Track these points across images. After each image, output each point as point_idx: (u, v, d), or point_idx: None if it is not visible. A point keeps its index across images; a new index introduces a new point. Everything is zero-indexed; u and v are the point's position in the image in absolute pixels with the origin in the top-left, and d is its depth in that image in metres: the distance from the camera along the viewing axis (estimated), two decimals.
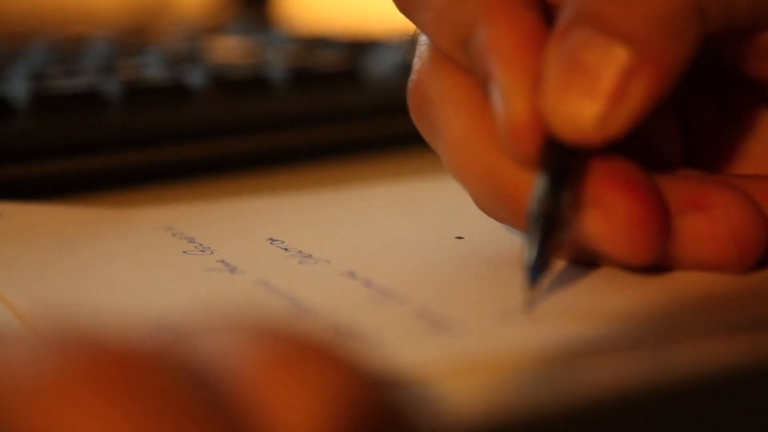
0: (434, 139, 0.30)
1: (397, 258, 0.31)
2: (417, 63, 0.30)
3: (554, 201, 0.26)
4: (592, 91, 0.25)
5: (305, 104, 0.46)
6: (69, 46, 0.56)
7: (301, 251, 0.31)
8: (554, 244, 0.26)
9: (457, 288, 0.28)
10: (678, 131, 0.33)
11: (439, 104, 0.29)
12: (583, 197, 0.26)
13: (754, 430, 0.22)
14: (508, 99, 0.26)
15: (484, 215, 0.33)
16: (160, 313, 0.27)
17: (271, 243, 0.32)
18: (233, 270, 0.30)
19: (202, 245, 0.32)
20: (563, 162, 0.26)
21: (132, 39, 0.60)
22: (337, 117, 0.46)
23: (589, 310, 0.27)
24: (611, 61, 0.25)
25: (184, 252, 0.32)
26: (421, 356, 0.24)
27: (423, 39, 0.30)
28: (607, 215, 0.26)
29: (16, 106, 0.42)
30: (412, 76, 0.30)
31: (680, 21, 0.26)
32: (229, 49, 0.56)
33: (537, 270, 0.26)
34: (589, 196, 0.26)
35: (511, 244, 0.32)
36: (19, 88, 0.43)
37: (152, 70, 0.48)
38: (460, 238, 0.32)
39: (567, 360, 0.24)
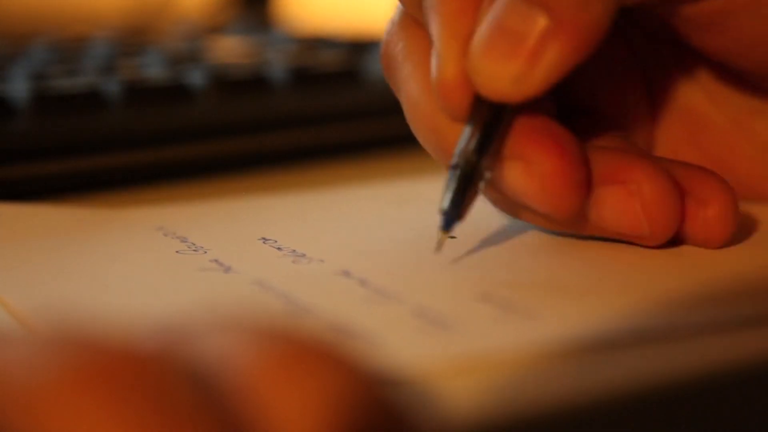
0: (399, 97, 0.31)
1: (393, 257, 0.31)
2: (388, 25, 0.32)
3: (473, 153, 0.28)
4: (512, 53, 0.27)
5: (305, 104, 0.46)
6: (69, 46, 0.56)
7: (294, 250, 0.31)
8: (471, 194, 0.29)
9: (454, 287, 0.28)
10: (647, 105, 0.34)
11: (401, 63, 0.31)
12: (507, 151, 0.29)
13: (753, 430, 0.22)
14: (440, 59, 0.29)
15: (480, 215, 0.33)
16: (156, 312, 0.27)
17: (264, 242, 0.32)
18: (227, 270, 0.30)
19: (194, 245, 0.32)
20: (489, 118, 0.28)
21: (132, 39, 0.60)
22: (337, 117, 0.46)
23: (589, 308, 0.27)
24: (530, 26, 0.27)
25: (177, 252, 0.32)
26: (418, 355, 0.24)
27: (398, 3, 0.32)
28: (527, 168, 0.28)
29: (16, 107, 0.42)
30: (384, 37, 0.32)
31: None
32: (229, 49, 0.56)
33: (450, 217, 0.28)
34: (511, 150, 0.29)
35: (505, 244, 0.32)
36: (19, 88, 0.43)
37: (152, 70, 0.48)
38: (453, 237, 0.32)
39: (566, 359, 0.24)
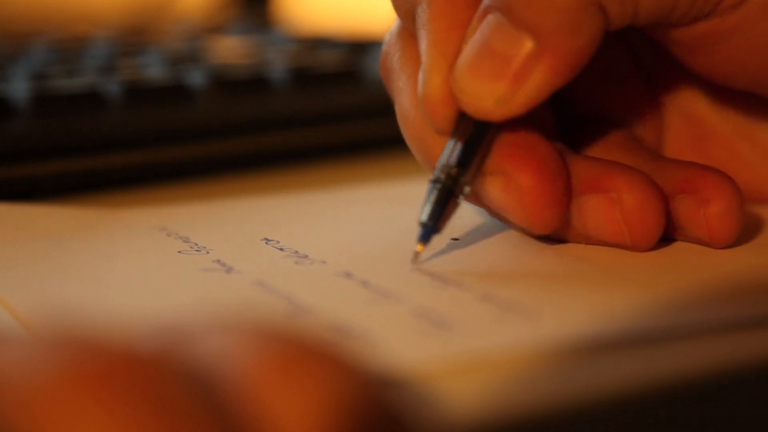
0: (395, 106, 0.32)
1: (394, 258, 0.31)
2: (387, 36, 0.32)
3: (454, 169, 0.29)
4: (496, 74, 0.28)
5: (305, 104, 0.46)
6: (69, 46, 0.56)
7: (296, 251, 0.31)
8: (449, 208, 0.29)
9: (454, 287, 0.28)
10: (654, 111, 0.35)
11: (397, 74, 0.31)
12: (488, 166, 0.29)
13: (753, 430, 0.22)
14: (426, 74, 0.29)
15: (480, 217, 0.33)
16: (158, 313, 0.27)
17: (266, 243, 0.32)
18: (229, 270, 0.30)
19: (197, 245, 0.32)
20: (471, 134, 0.29)
21: (132, 39, 0.60)
22: (337, 117, 0.46)
23: (589, 308, 0.27)
24: (516, 48, 0.28)
25: (179, 252, 0.32)
26: (419, 355, 0.24)
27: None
28: (505, 183, 0.29)
29: (17, 107, 0.42)
30: (382, 47, 0.32)
31: (579, 16, 0.28)
32: (229, 49, 0.56)
33: (428, 229, 0.29)
34: (492, 165, 0.29)
35: (506, 245, 0.32)
36: (20, 88, 0.43)
37: (152, 70, 0.48)
38: (455, 239, 0.32)
39: (566, 359, 0.24)
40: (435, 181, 0.29)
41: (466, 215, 0.34)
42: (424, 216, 0.29)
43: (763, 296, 0.28)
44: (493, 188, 0.30)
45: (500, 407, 0.21)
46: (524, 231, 0.32)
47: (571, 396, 0.22)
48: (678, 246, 0.31)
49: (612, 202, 0.30)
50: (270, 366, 0.15)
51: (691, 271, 0.30)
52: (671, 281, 0.29)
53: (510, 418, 0.21)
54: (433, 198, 0.29)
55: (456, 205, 0.29)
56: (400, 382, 0.22)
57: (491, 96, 0.28)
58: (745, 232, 0.32)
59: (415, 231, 0.31)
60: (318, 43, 0.57)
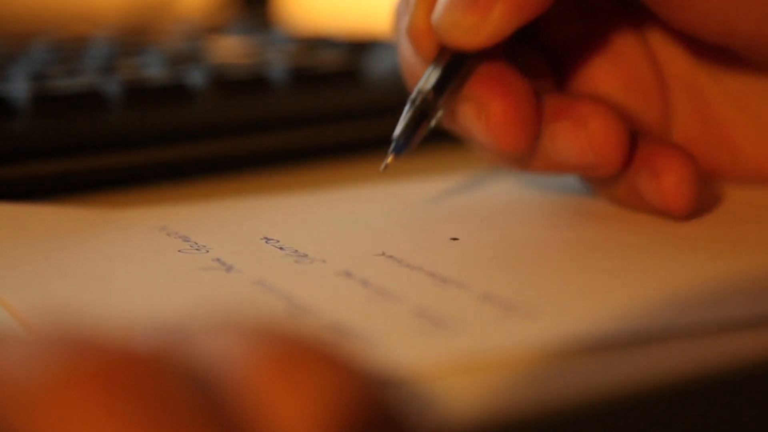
0: None
1: (394, 258, 0.31)
2: None
3: (429, 92, 0.32)
4: (468, 7, 0.31)
5: (305, 104, 0.46)
6: (69, 46, 0.56)
7: (296, 250, 0.31)
8: (422, 126, 0.32)
9: (455, 287, 0.28)
10: (658, 85, 0.36)
11: (401, 17, 0.35)
12: (464, 93, 0.33)
13: (753, 430, 0.22)
14: (413, 8, 0.33)
15: (479, 217, 0.33)
16: (158, 312, 0.27)
17: (266, 242, 0.32)
18: (229, 269, 0.30)
19: (197, 244, 0.32)
20: (448, 63, 0.32)
21: (132, 39, 0.60)
22: (337, 117, 0.46)
23: (589, 308, 0.27)
24: None
25: (179, 251, 0.32)
26: (419, 355, 0.24)
27: None
28: (476, 108, 0.33)
29: (16, 107, 0.42)
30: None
31: None
32: (229, 49, 0.56)
33: (400, 143, 0.32)
34: (467, 93, 0.33)
35: (506, 245, 0.32)
36: (19, 88, 0.43)
37: (152, 70, 0.48)
38: (455, 239, 0.32)
39: (566, 359, 0.24)
40: (412, 101, 0.32)
41: (465, 215, 0.34)
42: (398, 131, 0.32)
43: (763, 296, 0.28)
44: (467, 113, 0.33)
45: (500, 407, 0.21)
46: (500, 160, 0.35)
47: (571, 396, 0.22)
48: (678, 245, 0.31)
49: (578, 125, 0.33)
50: (269, 366, 0.15)
51: (692, 270, 0.30)
52: (669, 281, 0.29)
53: (510, 418, 0.21)
54: (407, 116, 0.32)
55: (429, 124, 0.32)
56: (400, 382, 0.22)
57: (462, 26, 0.31)
58: (742, 221, 0.33)
59: (415, 232, 0.31)
60: (318, 43, 0.57)
